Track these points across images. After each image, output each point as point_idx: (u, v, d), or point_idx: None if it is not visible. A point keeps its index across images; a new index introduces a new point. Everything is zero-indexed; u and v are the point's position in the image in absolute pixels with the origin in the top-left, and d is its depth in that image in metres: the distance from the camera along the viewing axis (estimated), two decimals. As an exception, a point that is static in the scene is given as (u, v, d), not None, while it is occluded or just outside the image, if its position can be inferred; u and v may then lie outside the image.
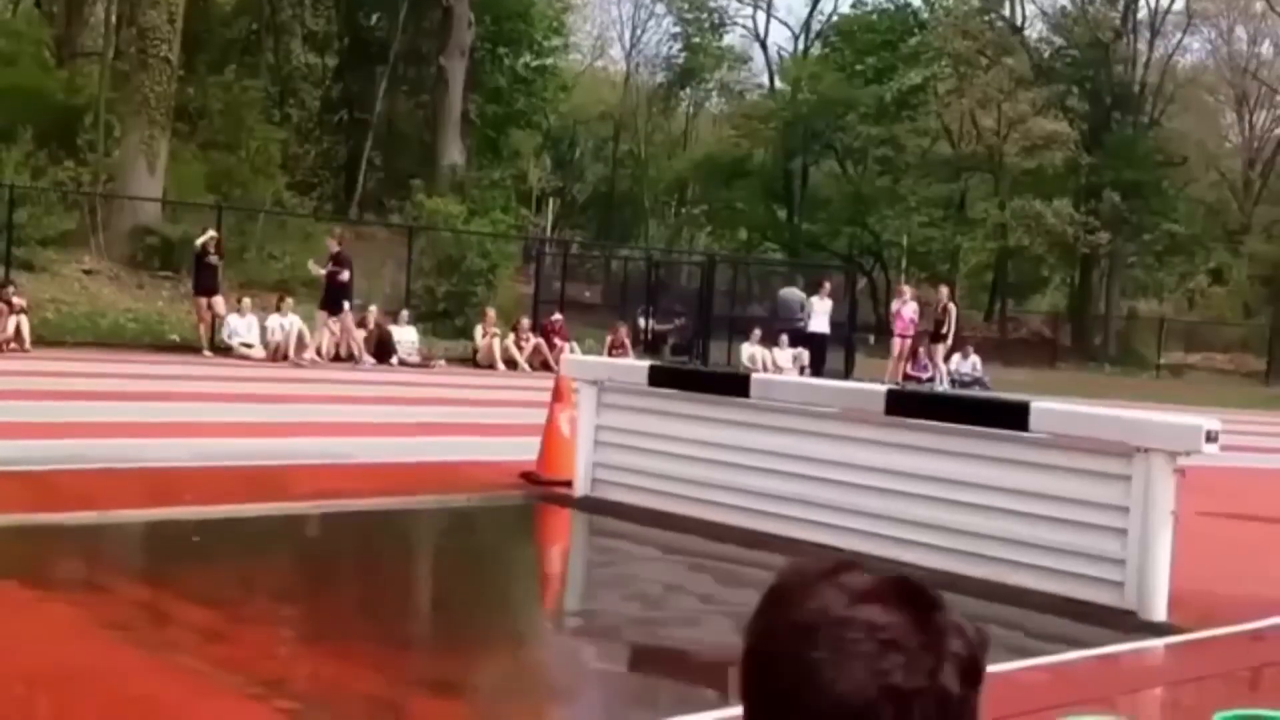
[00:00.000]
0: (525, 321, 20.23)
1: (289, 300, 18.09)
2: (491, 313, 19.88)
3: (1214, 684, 4.68)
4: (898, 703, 0.91)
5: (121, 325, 18.14)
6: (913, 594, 0.96)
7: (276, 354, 17.32)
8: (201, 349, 17.21)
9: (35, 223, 19.63)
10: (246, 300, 18.00)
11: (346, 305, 17.71)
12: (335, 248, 18.03)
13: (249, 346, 17.42)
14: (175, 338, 17.97)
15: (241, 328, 17.59)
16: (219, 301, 17.80)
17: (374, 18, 31.89)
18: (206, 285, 17.77)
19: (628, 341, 20.77)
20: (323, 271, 17.76)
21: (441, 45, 28.67)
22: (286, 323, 17.65)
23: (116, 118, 23.13)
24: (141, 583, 4.84)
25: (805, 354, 20.58)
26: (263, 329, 17.67)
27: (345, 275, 17.68)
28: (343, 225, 23.21)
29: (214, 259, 17.99)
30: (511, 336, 19.49)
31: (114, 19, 26.64)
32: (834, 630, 0.93)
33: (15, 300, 15.84)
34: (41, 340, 15.81)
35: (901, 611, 0.94)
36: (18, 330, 15.54)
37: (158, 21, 22.14)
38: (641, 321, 23.46)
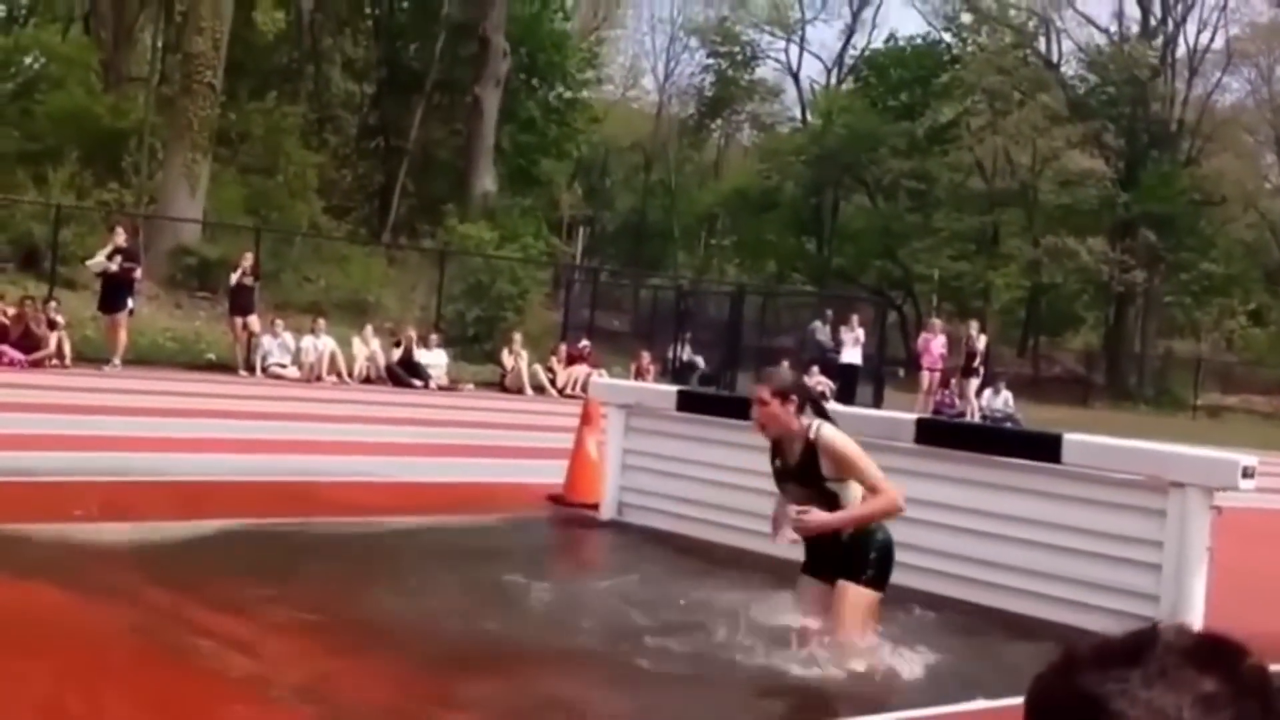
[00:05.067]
0: (562, 349, 20.28)
1: (322, 321, 18.24)
2: (518, 336, 19.92)
3: None
4: None
5: (160, 344, 18.33)
6: (1216, 650, 0.87)
7: (311, 374, 17.46)
8: (237, 369, 17.37)
9: (79, 242, 19.90)
10: (280, 322, 18.16)
11: (130, 303, 16.43)
12: (122, 241, 16.57)
13: (283, 367, 17.57)
14: (212, 357, 18.14)
15: (276, 349, 17.74)
16: (254, 321, 17.95)
17: (412, 48, 32.25)
18: (242, 305, 17.92)
19: (652, 369, 20.80)
20: (114, 267, 16.25)
21: (477, 75, 28.94)
22: (320, 344, 17.79)
23: (160, 141, 23.49)
24: (173, 591, 4.88)
25: (825, 382, 20.54)
26: (297, 349, 17.81)
27: (139, 271, 16.71)
28: (372, 247, 23.36)
29: (250, 280, 18.16)
30: (552, 361, 19.65)
31: (160, 45, 27.10)
32: None
33: (57, 317, 16.05)
34: (81, 357, 15.99)
35: (1225, 677, 0.84)
36: (59, 346, 15.75)
37: (203, 48, 22.49)
38: (670, 351, 23.48)
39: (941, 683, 4.44)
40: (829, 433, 4.72)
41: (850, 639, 4.62)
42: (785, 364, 5.67)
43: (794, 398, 4.78)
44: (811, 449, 4.71)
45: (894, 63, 41.39)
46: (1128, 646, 0.85)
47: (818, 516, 4.64)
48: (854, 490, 4.72)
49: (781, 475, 4.91)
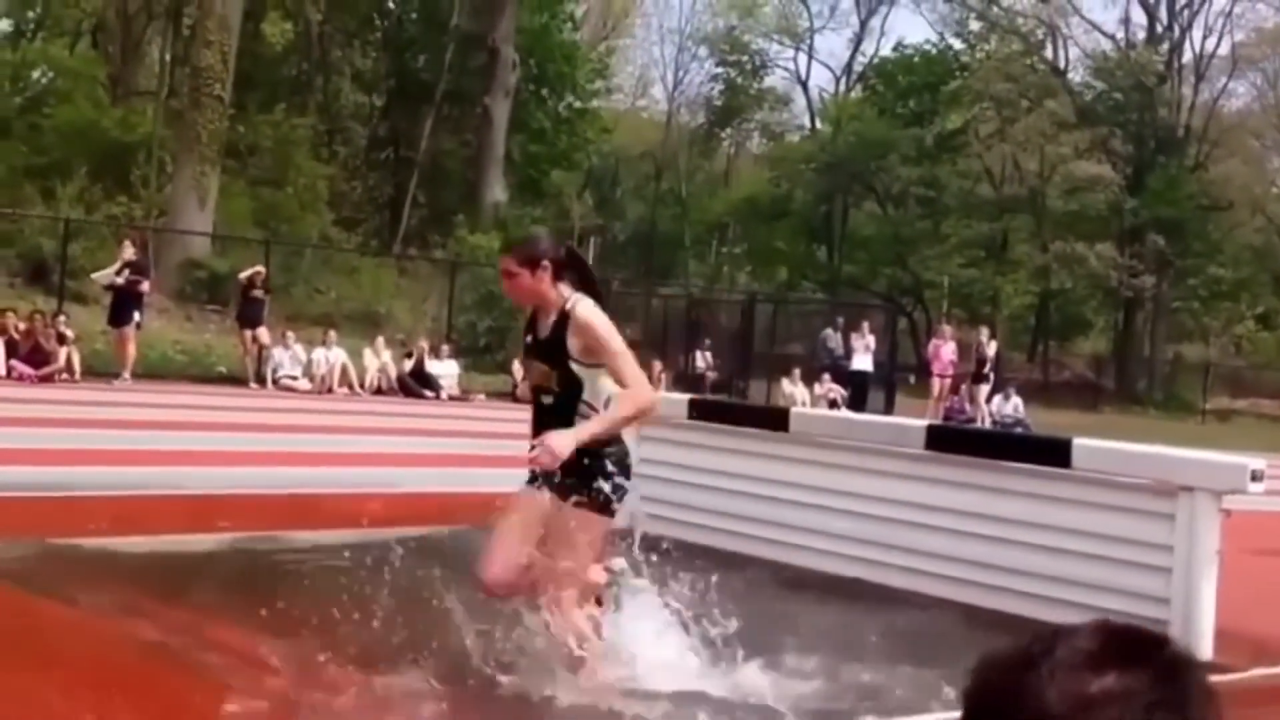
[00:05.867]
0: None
1: (333, 333, 18.30)
2: (526, 349, 19.98)
3: (1260, 725, 4.63)
4: None
5: (170, 357, 18.39)
6: (1135, 642, 0.89)
7: (322, 386, 17.51)
8: (248, 381, 17.41)
9: (88, 256, 19.99)
10: (291, 334, 18.21)
11: (137, 316, 16.32)
12: (132, 254, 16.64)
13: (294, 379, 17.62)
14: (222, 369, 18.20)
15: (287, 361, 17.79)
16: (263, 333, 18.01)
17: (421, 59, 32.35)
18: (252, 317, 17.98)
19: (664, 378, 20.82)
20: (120, 280, 16.31)
21: (486, 86, 29.04)
22: (331, 355, 17.85)
23: (169, 154, 23.59)
24: (185, 605, 4.91)
25: (837, 390, 20.54)
26: (308, 361, 17.87)
27: (145, 285, 16.68)
28: (382, 259, 23.40)
29: (259, 293, 18.22)
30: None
31: (169, 58, 27.24)
32: (1091, 714, 0.84)
33: (66, 331, 16.12)
34: (91, 371, 16.05)
35: (1140, 666, 0.87)
36: (68, 360, 15.80)
37: (211, 61, 22.60)
38: (682, 359, 23.51)
39: (937, 689, 4.44)
40: (586, 308, 4.19)
41: (572, 595, 4.15)
42: (544, 232, 5.05)
43: (546, 264, 4.21)
44: (563, 322, 4.20)
45: (902, 70, 41.42)
46: (1049, 638, 0.89)
47: (555, 442, 3.99)
48: (604, 383, 4.19)
49: (528, 351, 4.40)
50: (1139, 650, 0.88)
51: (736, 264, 44.56)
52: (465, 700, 4.12)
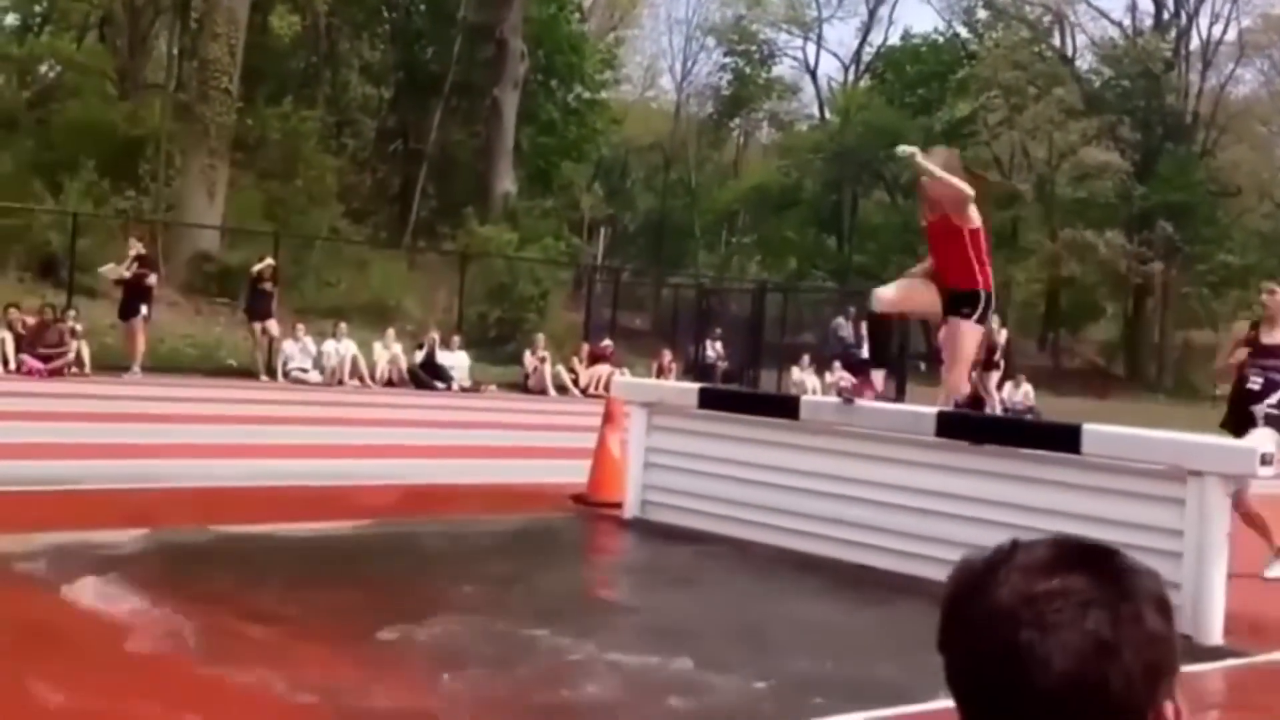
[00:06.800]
0: (584, 349, 20.43)
1: (343, 325, 18.34)
2: (541, 338, 20.03)
3: (1274, 707, 4.64)
4: (1113, 655, 0.96)
5: (180, 350, 18.44)
6: (1085, 552, 1.00)
7: (333, 378, 17.56)
8: (258, 374, 17.46)
9: (97, 250, 20.04)
10: (301, 326, 18.25)
11: (144, 310, 16.48)
12: (141, 249, 16.82)
13: (305, 371, 17.67)
14: (232, 363, 18.25)
15: (297, 353, 17.84)
16: (273, 325, 18.04)
17: (429, 50, 32.32)
18: (261, 310, 18.01)
19: (674, 368, 20.84)
20: (127, 274, 16.50)
21: (495, 78, 29.02)
22: (342, 348, 17.89)
23: (177, 148, 23.60)
24: (200, 597, 4.94)
25: (848, 378, 20.51)
26: (318, 354, 17.91)
27: (153, 279, 16.76)
28: (391, 251, 23.40)
29: (268, 286, 18.25)
30: (575, 362, 19.76)
31: (176, 52, 27.26)
32: (1033, 608, 0.96)
33: (75, 325, 16.17)
34: (100, 365, 16.11)
35: (1085, 571, 0.98)
36: (78, 355, 15.86)
37: (218, 54, 22.61)
38: (693, 349, 23.51)
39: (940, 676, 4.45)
40: None
41: None
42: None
43: None
44: None
45: (910, 59, 41.32)
46: (1011, 547, 1.02)
47: None
48: None
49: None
50: (1086, 558, 0.99)
51: (746, 253, 44.49)
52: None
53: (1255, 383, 6.75)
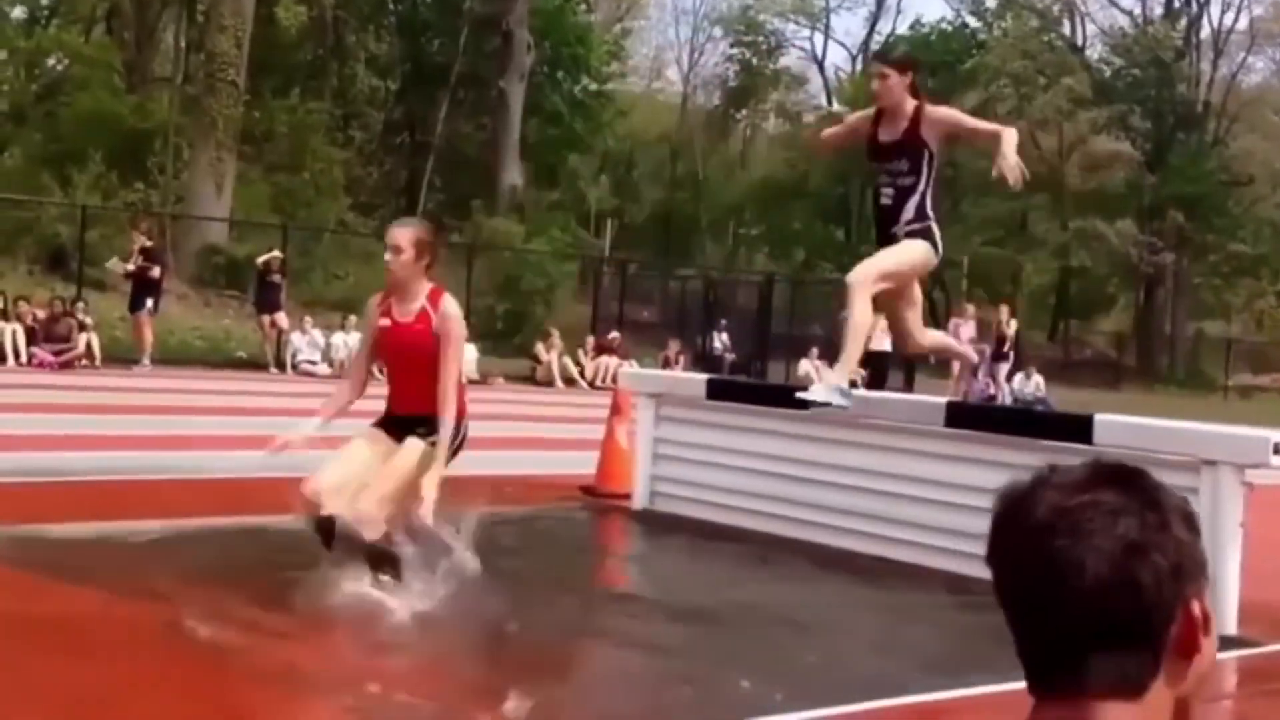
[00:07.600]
0: (591, 341, 20.46)
1: (352, 318, 18.31)
2: (554, 331, 20.02)
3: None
4: (1142, 555, 1.05)
5: (189, 343, 18.47)
6: (1116, 471, 1.10)
7: (341, 370, 17.54)
8: (268, 366, 17.48)
9: (106, 243, 20.07)
10: (309, 319, 18.26)
11: (150, 303, 16.43)
12: (145, 242, 16.78)
13: (313, 364, 17.68)
14: (242, 355, 18.27)
15: (305, 346, 17.84)
16: (282, 317, 18.07)
17: (435, 43, 32.31)
18: (269, 302, 18.03)
19: (681, 359, 20.83)
20: (130, 268, 16.54)
21: (501, 69, 28.99)
22: (350, 340, 17.88)
23: (185, 141, 23.63)
24: (212, 588, 4.92)
25: (856, 370, 20.50)
26: (327, 346, 17.91)
27: (156, 271, 16.68)
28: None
29: (276, 278, 18.27)
30: (582, 355, 19.76)
31: (183, 45, 27.26)
32: (1068, 519, 1.06)
33: (85, 318, 16.20)
34: (111, 357, 16.14)
35: (1115, 486, 1.08)
36: (88, 347, 15.90)
37: (225, 47, 22.61)
38: (700, 341, 23.49)
39: (958, 664, 4.43)
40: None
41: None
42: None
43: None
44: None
45: (919, 48, 41.09)
46: (1051, 469, 1.12)
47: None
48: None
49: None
50: (1117, 476, 1.10)
51: (754, 245, 44.43)
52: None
53: None
